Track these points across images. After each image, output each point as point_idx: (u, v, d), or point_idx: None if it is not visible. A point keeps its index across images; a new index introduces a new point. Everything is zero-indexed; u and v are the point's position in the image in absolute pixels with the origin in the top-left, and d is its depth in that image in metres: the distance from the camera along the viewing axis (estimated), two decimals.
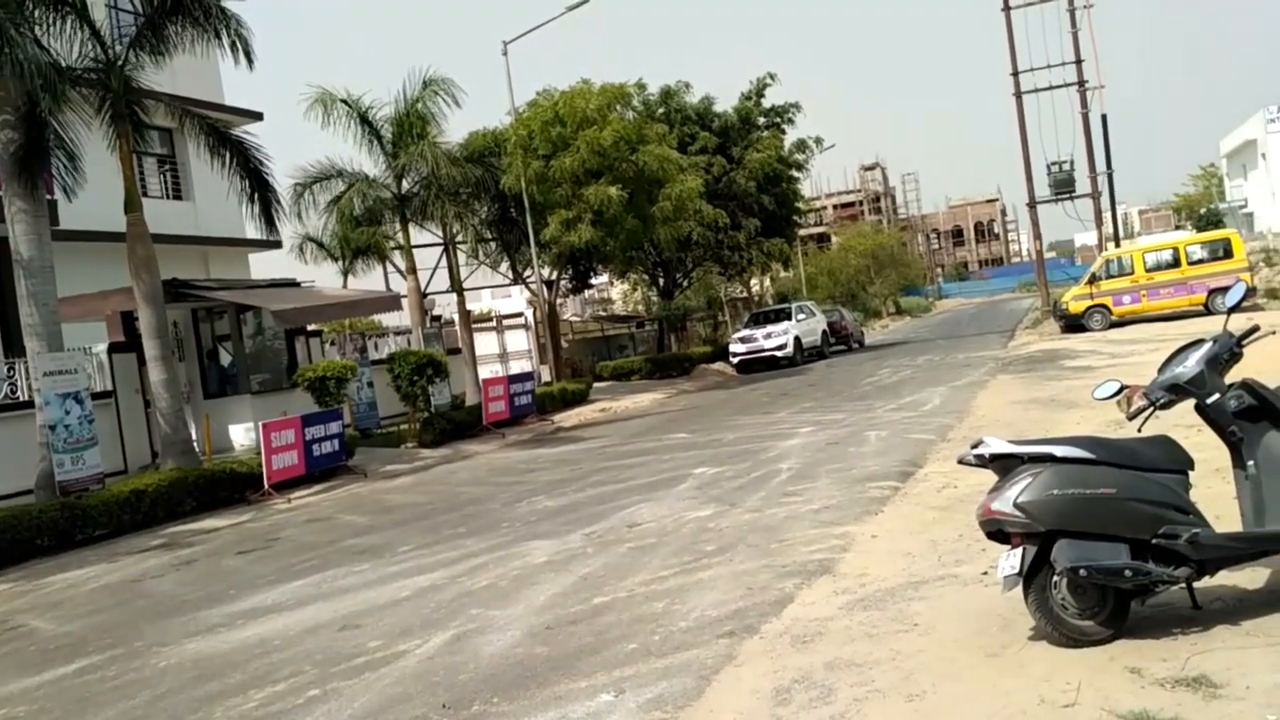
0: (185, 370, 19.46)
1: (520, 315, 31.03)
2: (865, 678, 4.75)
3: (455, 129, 45.84)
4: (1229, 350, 4.97)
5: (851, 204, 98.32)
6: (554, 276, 30.27)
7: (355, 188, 23.06)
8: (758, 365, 31.58)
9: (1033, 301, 42.77)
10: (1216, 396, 4.88)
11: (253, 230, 20.95)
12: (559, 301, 34.65)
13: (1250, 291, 27.30)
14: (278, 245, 23.28)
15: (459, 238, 25.99)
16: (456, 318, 26.33)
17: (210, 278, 21.95)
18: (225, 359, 21.09)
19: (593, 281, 39.29)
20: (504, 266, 30.57)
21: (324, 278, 39.93)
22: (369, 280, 29.16)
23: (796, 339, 32.27)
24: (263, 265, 38.44)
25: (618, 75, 31.28)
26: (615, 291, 62.87)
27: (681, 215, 27.31)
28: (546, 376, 28.26)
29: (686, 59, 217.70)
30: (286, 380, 20.01)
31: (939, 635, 5.19)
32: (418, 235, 25.28)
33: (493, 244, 28.75)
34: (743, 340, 32.73)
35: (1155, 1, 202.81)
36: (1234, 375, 5.06)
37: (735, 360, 32.48)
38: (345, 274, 28.41)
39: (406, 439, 20.09)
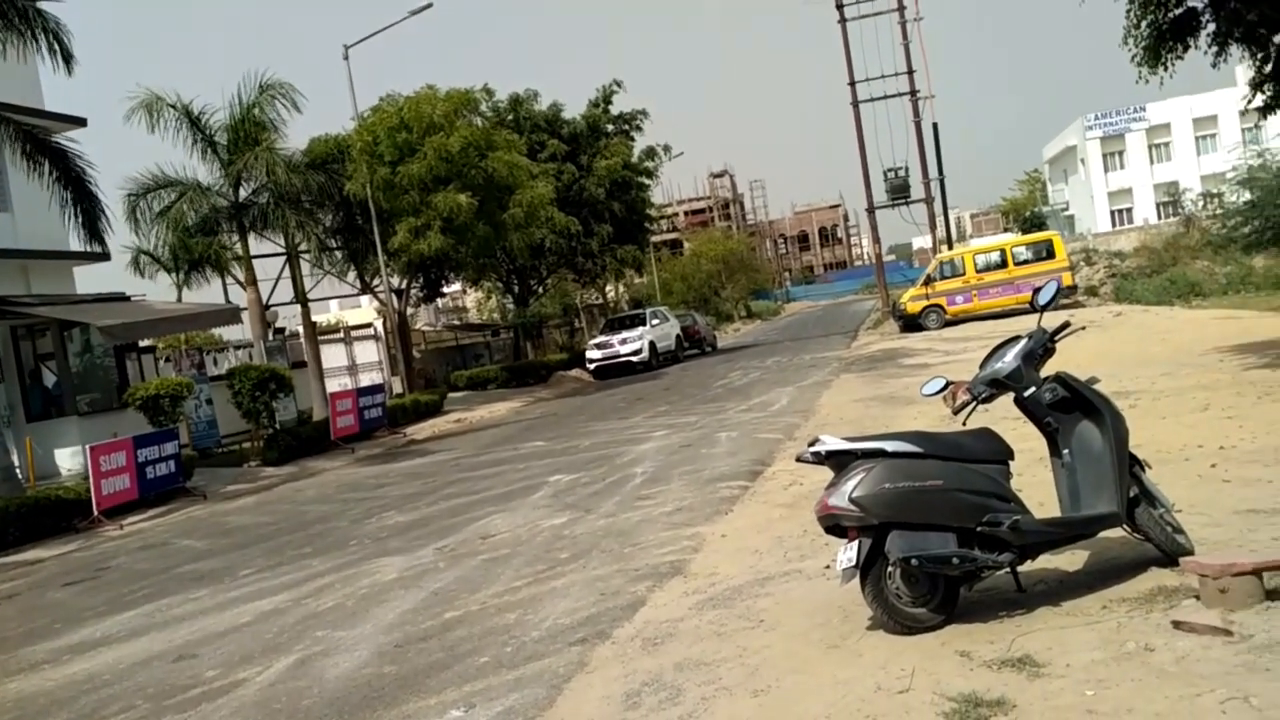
0: (5, 392, 18.20)
1: (370, 326, 30.31)
2: (713, 676, 4.82)
3: (298, 135, 44.49)
4: (1043, 346, 5.27)
5: (702, 210, 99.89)
6: (404, 285, 29.66)
7: (187, 196, 22.03)
8: (614, 371, 31.75)
9: (874, 303, 44.44)
10: (1033, 390, 5.17)
11: (78, 242, 19.76)
12: (410, 311, 33.98)
13: (1070, 290, 29.25)
14: (105, 258, 21.97)
15: (302, 247, 25.15)
16: (301, 330, 25.48)
17: (31, 293, 20.57)
18: (49, 379, 19.82)
19: (445, 290, 38.73)
20: (351, 276, 29.78)
21: (159, 291, 38.07)
22: (207, 293, 27.96)
23: (652, 344, 32.58)
24: (92, 279, 36.35)
25: (466, 83, 30.92)
26: (469, 300, 62.12)
27: (533, 222, 27.20)
28: (398, 388, 27.67)
29: (535, 68, 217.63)
30: (117, 400, 18.96)
31: (784, 630, 5.31)
32: (259, 245, 24.39)
33: (338, 253, 27.95)
34: (599, 346, 32.84)
35: (982, 16, 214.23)
36: (1049, 369, 5.38)
37: (592, 366, 32.57)
38: (180, 287, 27.13)
39: (249, 457, 19.32)
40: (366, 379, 27.87)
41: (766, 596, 6.00)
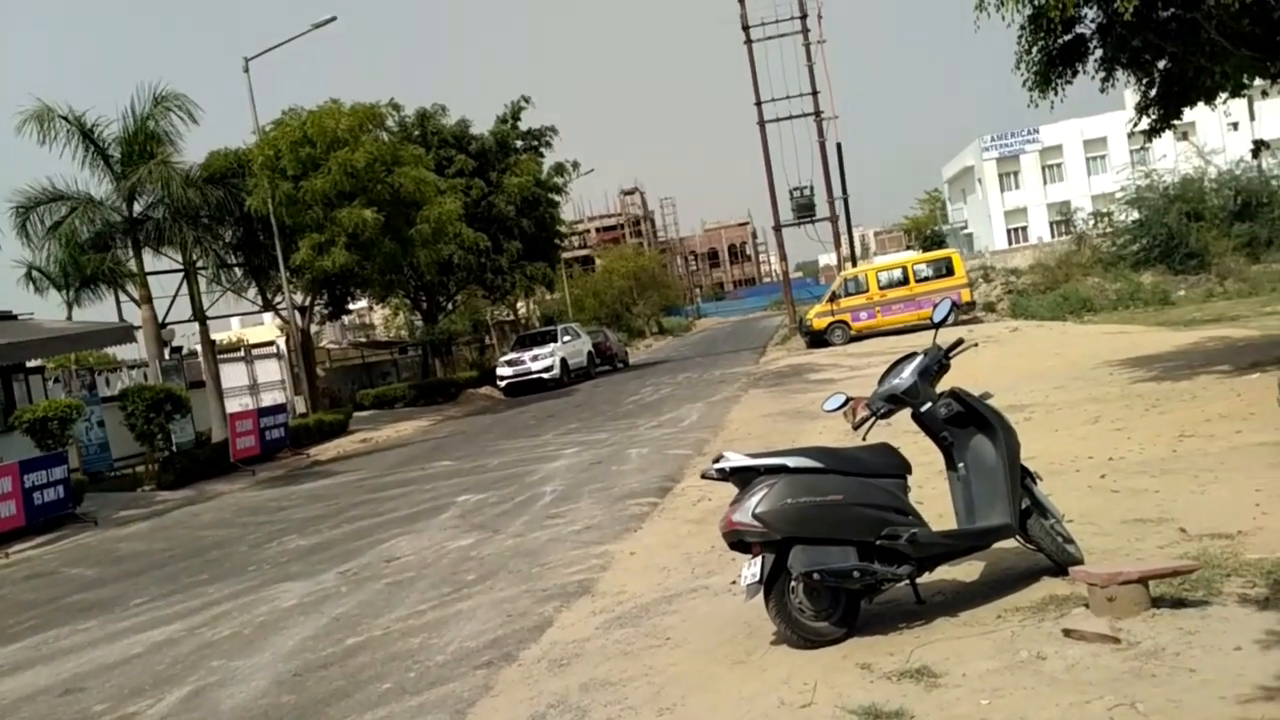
0: None
1: (272, 344, 29.55)
2: (619, 696, 4.79)
3: (196, 149, 43.18)
4: (938, 362, 5.40)
5: (613, 227, 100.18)
6: (308, 302, 29.01)
7: (79, 211, 21.23)
8: (525, 388, 31.54)
9: (782, 319, 45.12)
10: (929, 405, 5.29)
11: None
12: (315, 328, 33.29)
13: (969, 306, 30.13)
14: None
15: (200, 263, 24.43)
16: (199, 348, 24.71)
17: None
18: None
19: (351, 307, 38.04)
20: (252, 293, 29.03)
21: (48, 309, 36.45)
22: (100, 311, 26.90)
23: (563, 360, 32.48)
24: None
25: (374, 98, 30.46)
26: (377, 316, 61.12)
27: (441, 238, 26.91)
28: (301, 408, 27.02)
29: (443, 84, 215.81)
30: (3, 423, 18.10)
31: (690, 647, 5.32)
32: (155, 261, 23.59)
33: (239, 269, 27.22)
34: (510, 363, 32.60)
35: (884, 40, 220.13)
36: (944, 384, 5.51)
37: (503, 383, 32.31)
38: (71, 305, 26.08)
39: (144, 481, 18.64)
40: (268, 398, 27.14)
41: (674, 614, 6.00)
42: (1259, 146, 15.23)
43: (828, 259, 70.44)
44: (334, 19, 25.88)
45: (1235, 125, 44.29)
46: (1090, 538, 5.75)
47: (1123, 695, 3.78)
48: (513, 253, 34.30)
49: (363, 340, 51.45)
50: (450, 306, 39.47)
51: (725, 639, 5.30)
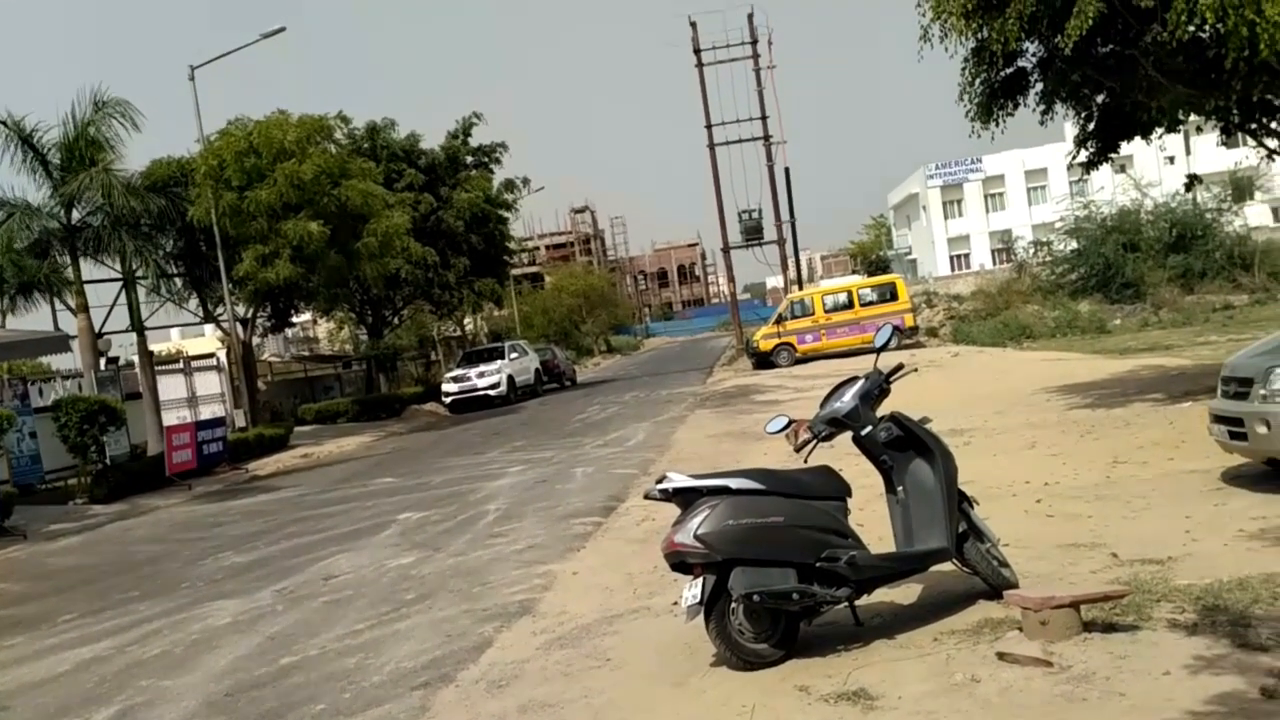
0: None
1: (212, 356, 29.01)
2: (557, 717, 4.76)
3: (138, 157, 42.36)
4: (879, 386, 5.47)
5: (563, 245, 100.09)
6: (250, 314, 28.55)
7: (15, 217, 20.72)
8: (471, 405, 31.29)
9: (729, 340, 45.36)
10: (869, 429, 5.35)
11: None
12: (257, 341, 32.73)
13: (911, 330, 30.59)
14: None
15: (139, 273, 23.94)
16: (137, 359, 24.18)
17: None
18: None
19: (294, 320, 37.50)
20: (193, 304, 28.51)
21: None
22: (36, 319, 26.22)
23: (510, 377, 32.30)
24: None
25: (324, 110, 30.19)
26: (321, 330, 60.33)
27: (388, 252, 26.68)
28: (241, 422, 26.52)
29: (394, 98, 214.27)
30: None
31: (629, 669, 5.30)
32: (94, 270, 23.08)
33: (179, 280, 26.72)
34: (456, 379, 32.34)
35: (834, 66, 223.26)
36: (886, 408, 5.57)
37: (448, 400, 32.03)
38: (5, 312, 25.38)
39: (76, 494, 18.13)
40: (208, 411, 26.61)
41: (615, 635, 5.98)
42: (1192, 181, 15.70)
43: (775, 281, 71.05)
44: (283, 29, 25.64)
45: (1171, 159, 45.59)
46: (1025, 562, 5.84)
47: (1054, 719, 3.84)
48: (461, 268, 34.12)
49: (306, 354, 50.76)
50: (396, 321, 39.12)
51: (665, 661, 5.30)
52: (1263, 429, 6.96)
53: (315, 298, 29.44)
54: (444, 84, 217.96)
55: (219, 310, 27.51)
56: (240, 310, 27.66)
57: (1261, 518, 6.36)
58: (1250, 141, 13.41)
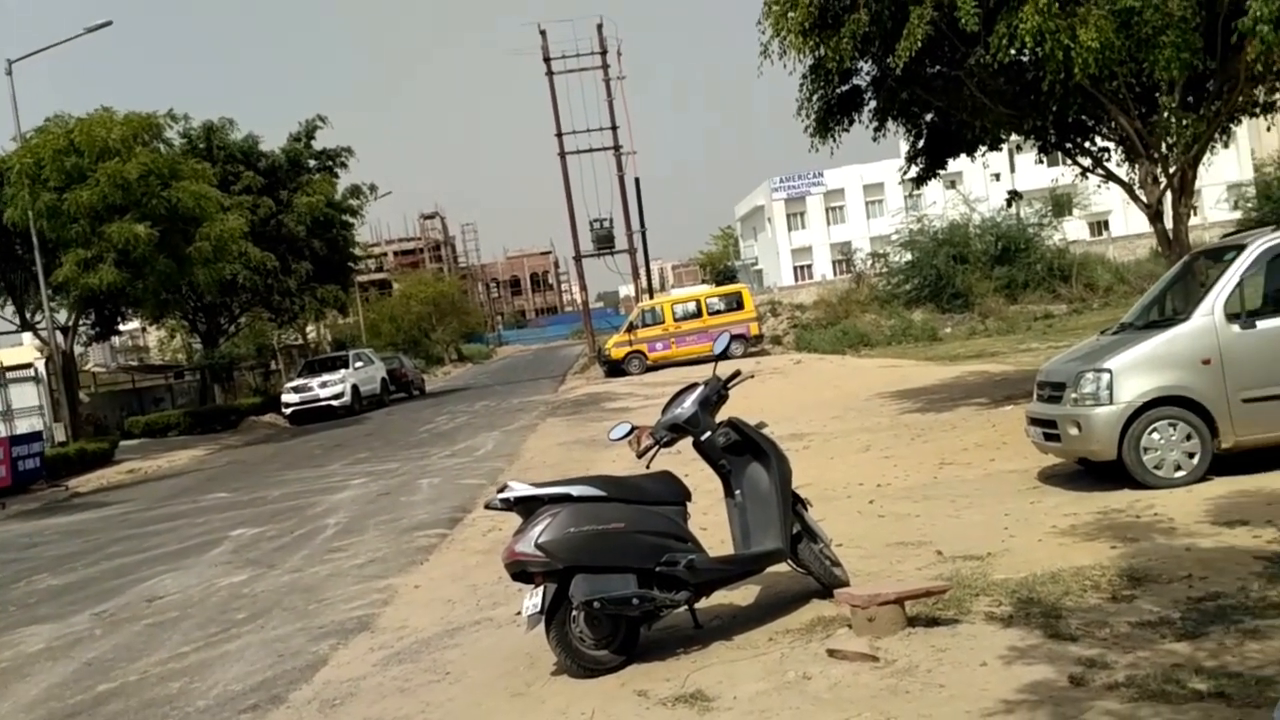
0: None
1: (29, 366, 27.11)
2: None
3: None
4: (717, 393, 5.56)
5: (413, 251, 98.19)
6: (71, 322, 26.86)
7: None
8: (313, 416, 30.29)
9: (582, 348, 45.45)
10: (709, 434, 5.43)
11: None
12: (80, 350, 30.86)
13: (757, 339, 31.38)
14: None
15: None
16: None
17: None
18: None
19: (122, 328, 35.49)
20: (9, 311, 26.63)
21: None
22: None
23: (354, 387, 31.44)
24: None
25: (157, 109, 28.45)
26: (151, 338, 57.28)
27: (223, 257, 25.54)
28: (61, 436, 24.91)
29: (235, 100, 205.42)
30: None
31: (469, 681, 5.22)
32: None
33: None
34: (296, 390, 31.25)
35: (684, 79, 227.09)
36: (727, 414, 5.67)
37: (288, 411, 30.92)
38: None
39: None
40: (23, 425, 24.81)
41: (455, 647, 5.88)
42: (1012, 196, 16.63)
43: (627, 290, 71.65)
44: (109, 23, 24.36)
45: (997, 176, 48.32)
46: (857, 560, 6.05)
47: (879, 711, 3.98)
48: (302, 274, 33.01)
49: (134, 364, 48.15)
50: (233, 329, 37.52)
51: (506, 671, 5.24)
52: (1074, 430, 7.43)
53: (144, 305, 27.86)
54: (288, 87, 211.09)
55: (37, 318, 25.75)
56: (60, 318, 26.02)
57: (1073, 514, 6.76)
58: (1066, 160, 14.30)
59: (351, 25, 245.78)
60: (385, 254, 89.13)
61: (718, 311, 31.54)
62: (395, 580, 8.00)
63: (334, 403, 30.39)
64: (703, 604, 5.31)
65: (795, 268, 66.95)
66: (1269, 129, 16.27)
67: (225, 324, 35.77)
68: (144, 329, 53.03)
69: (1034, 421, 8.09)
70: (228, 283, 28.52)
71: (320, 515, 11.89)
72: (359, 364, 33.20)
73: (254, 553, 10.09)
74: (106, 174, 22.44)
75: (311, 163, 35.32)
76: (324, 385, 30.81)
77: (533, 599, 4.87)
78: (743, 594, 5.79)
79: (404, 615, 6.86)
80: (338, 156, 35.87)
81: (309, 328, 47.80)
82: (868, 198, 66.24)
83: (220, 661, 6.37)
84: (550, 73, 38.89)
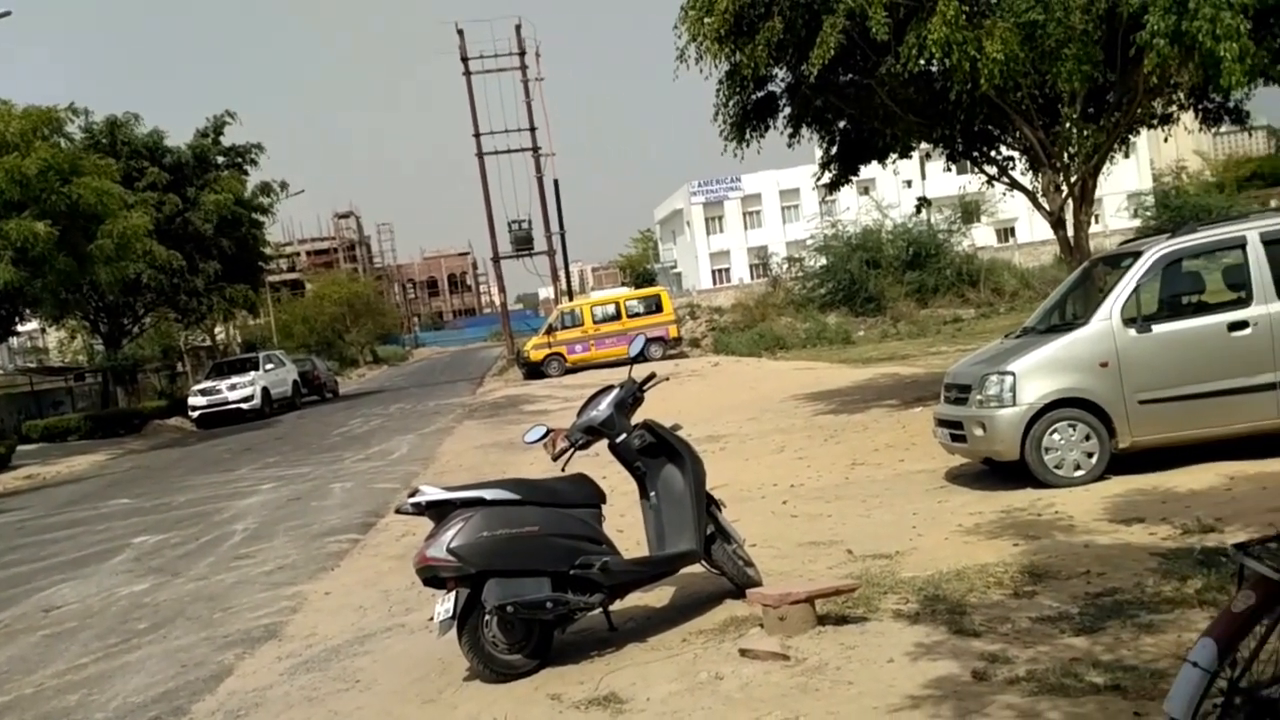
0: None
1: None
2: None
3: None
4: (632, 395, 5.57)
5: (327, 251, 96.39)
6: None
7: None
8: (222, 419, 29.50)
9: (500, 350, 45.15)
10: (624, 436, 5.44)
11: None
12: None
13: (676, 341, 31.56)
14: None
15: None
16: None
17: None
18: None
19: (20, 328, 34.11)
20: None
21: None
22: None
23: (264, 389, 30.70)
24: None
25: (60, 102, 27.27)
26: (51, 339, 55.15)
27: (127, 255, 24.70)
28: None
29: (139, 95, 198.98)
30: None
31: (380, 689, 5.14)
32: None
33: None
34: (204, 392, 30.39)
35: (604, 81, 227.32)
36: (646, 416, 5.69)
37: (196, 414, 30.05)
38: None
39: None
40: None
41: (366, 655, 5.79)
42: (921, 203, 17.04)
43: (547, 292, 71.40)
44: (8, 13, 23.39)
45: (909, 183, 49.32)
46: (770, 560, 6.12)
47: (789, 710, 4.03)
48: (210, 274, 32.12)
49: (32, 366, 46.33)
50: (137, 330, 36.33)
51: (417, 678, 5.17)
52: (979, 431, 7.63)
53: (42, 304, 26.83)
54: (198, 82, 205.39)
55: None
56: None
57: (978, 513, 6.95)
58: (974, 168, 14.69)
59: (267, 19, 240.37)
60: (298, 253, 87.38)
61: (637, 314, 31.61)
62: (305, 587, 7.84)
63: (243, 406, 29.65)
64: (618, 606, 5.31)
65: (713, 271, 67.42)
66: (1166, 140, 16.96)
67: (129, 325, 34.63)
68: (43, 329, 51.01)
69: (941, 423, 8.29)
70: (131, 282, 27.62)
71: (227, 521, 11.59)
72: (270, 366, 32.45)
73: (157, 560, 9.79)
74: (3, 169, 21.53)
75: (220, 159, 34.39)
76: (233, 388, 30.04)
77: (444, 604, 4.82)
78: (657, 595, 5.81)
79: (313, 623, 6.73)
80: (247, 153, 34.99)
81: (217, 329, 46.52)
82: (784, 203, 67.01)
83: (120, 673, 6.16)
84: (468, 73, 38.55)
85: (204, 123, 34.14)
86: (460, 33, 38.54)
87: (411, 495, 5.05)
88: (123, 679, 6.03)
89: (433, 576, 4.92)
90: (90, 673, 6.26)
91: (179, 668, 6.10)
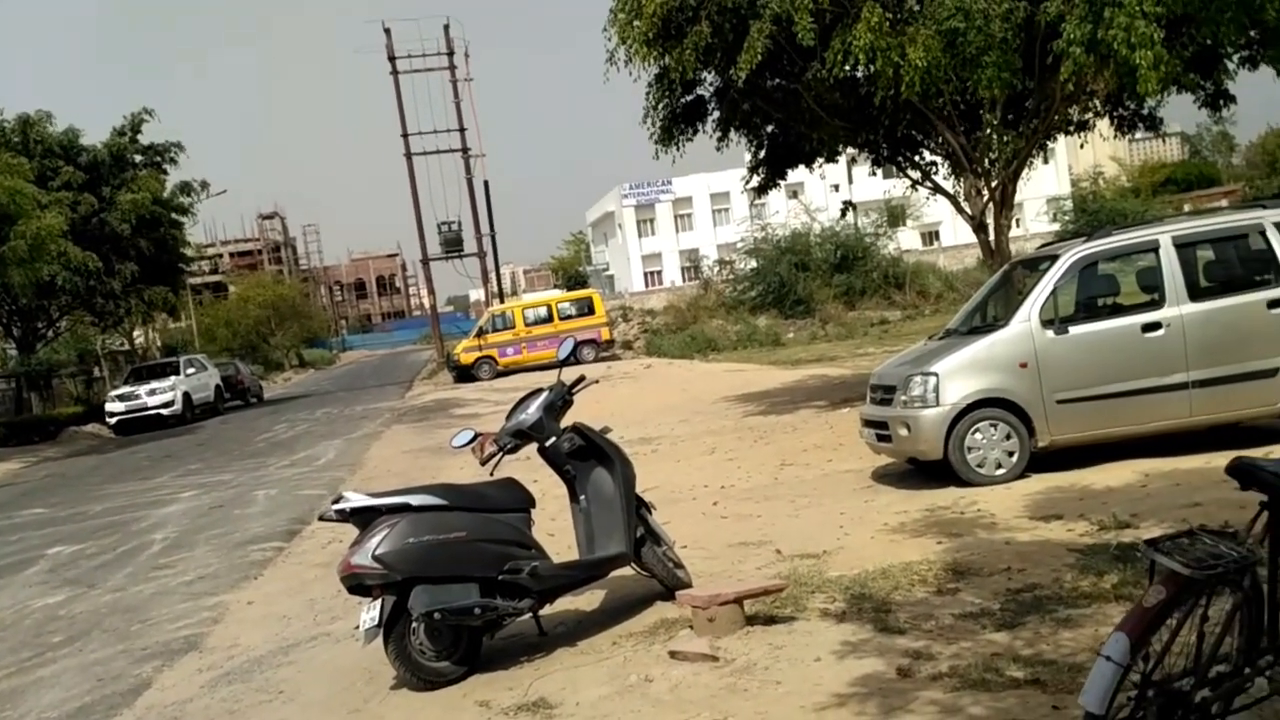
0: None
1: None
2: None
3: None
4: (562, 398, 5.55)
5: (250, 253, 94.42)
6: None
7: None
8: (141, 425, 28.67)
9: (430, 353, 44.69)
10: (553, 440, 5.42)
11: None
12: None
13: (608, 344, 31.54)
14: None
15: None
16: None
17: None
18: None
19: None
20: None
21: None
22: None
23: (186, 395, 29.93)
24: None
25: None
26: None
27: (40, 257, 23.91)
28: None
29: (56, 92, 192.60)
30: None
31: (304, 700, 5.04)
32: None
33: None
34: (122, 398, 29.51)
35: (533, 83, 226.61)
36: (579, 419, 5.68)
37: (113, 420, 29.18)
38: None
39: None
40: None
41: (290, 665, 5.68)
42: (846, 207, 17.31)
43: (478, 294, 70.86)
44: None
45: (836, 187, 50.07)
46: (700, 561, 6.14)
47: (718, 710, 4.05)
48: (128, 275, 31.22)
49: None
50: (52, 334, 35.20)
51: (343, 688, 5.09)
52: (904, 431, 7.76)
53: None
54: (116, 81, 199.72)
55: None
56: None
57: (904, 512, 7.06)
58: (898, 172, 14.97)
59: (188, 14, 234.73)
60: (221, 255, 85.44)
61: (569, 316, 31.53)
62: (227, 597, 7.66)
63: (163, 411, 28.86)
64: (548, 610, 5.29)
65: (646, 274, 67.58)
66: (1083, 146, 17.49)
67: (43, 328, 33.53)
68: None
69: (867, 423, 8.41)
70: (45, 284, 26.78)
71: (146, 530, 11.28)
72: (191, 370, 31.65)
73: (72, 571, 9.49)
74: None
75: (138, 158, 33.44)
76: (152, 393, 29.21)
77: (370, 612, 4.74)
78: (588, 599, 5.80)
79: (235, 633, 6.58)
80: (166, 152, 34.07)
81: (136, 332, 45.26)
82: (715, 206, 67.46)
83: (34, 688, 5.97)
84: (395, 72, 38.12)
85: (121, 121, 33.23)
86: (387, 31, 38.15)
87: (336, 502, 4.97)
88: (36, 694, 5.84)
89: (358, 584, 4.84)
90: (2, 688, 6.05)
91: (95, 682, 5.92)
